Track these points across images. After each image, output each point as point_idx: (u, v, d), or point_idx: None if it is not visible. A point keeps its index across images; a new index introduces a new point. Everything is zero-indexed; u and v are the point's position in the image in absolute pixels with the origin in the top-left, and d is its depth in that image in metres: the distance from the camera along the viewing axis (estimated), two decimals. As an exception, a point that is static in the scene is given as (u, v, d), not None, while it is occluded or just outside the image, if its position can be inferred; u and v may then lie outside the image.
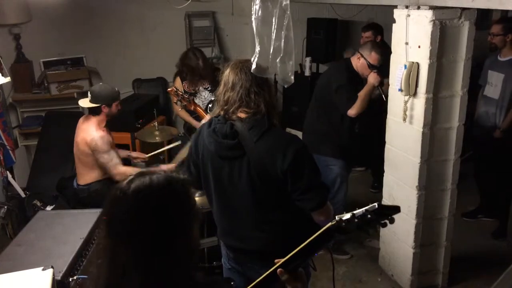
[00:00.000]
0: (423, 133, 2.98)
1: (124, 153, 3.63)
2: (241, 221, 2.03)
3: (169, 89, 3.38)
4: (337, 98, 3.46)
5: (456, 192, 3.20)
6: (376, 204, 1.26)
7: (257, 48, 1.85)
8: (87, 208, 2.97)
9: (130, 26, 5.42)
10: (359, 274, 3.58)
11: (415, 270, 3.28)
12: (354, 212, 1.27)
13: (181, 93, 3.27)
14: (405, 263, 3.31)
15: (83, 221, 2.53)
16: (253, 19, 1.85)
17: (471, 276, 3.44)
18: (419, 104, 2.97)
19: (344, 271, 3.61)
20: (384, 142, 3.40)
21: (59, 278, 2.02)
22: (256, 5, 1.83)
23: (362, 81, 3.54)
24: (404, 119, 3.08)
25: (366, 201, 4.54)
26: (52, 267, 1.90)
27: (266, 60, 1.87)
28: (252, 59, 1.88)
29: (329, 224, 1.31)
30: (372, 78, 3.41)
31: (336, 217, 1.31)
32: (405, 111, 3.06)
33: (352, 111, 3.41)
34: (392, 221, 1.28)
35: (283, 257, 1.68)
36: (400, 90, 3.01)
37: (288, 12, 1.80)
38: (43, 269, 1.89)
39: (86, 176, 3.34)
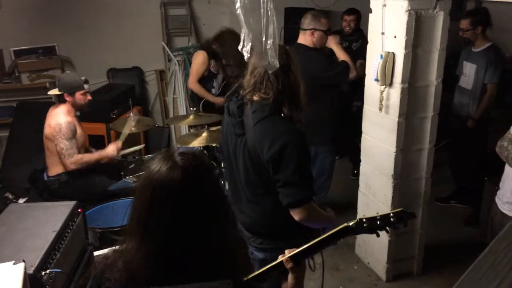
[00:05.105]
0: (398, 122, 3.01)
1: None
2: (239, 194, 2.11)
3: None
4: (330, 77, 3.56)
5: (430, 181, 3.25)
6: (400, 209, 1.33)
7: (250, 36, 1.81)
8: (60, 201, 2.90)
9: (105, 14, 5.28)
10: (336, 262, 3.61)
11: (391, 258, 3.32)
12: (379, 213, 1.33)
13: None
14: (381, 251, 3.35)
15: (56, 214, 2.47)
16: (238, 7, 1.80)
17: (445, 263, 3.50)
18: (395, 94, 2.99)
19: (322, 259, 3.64)
20: (361, 131, 3.42)
21: (31, 272, 1.96)
22: None
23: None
24: (380, 109, 3.09)
25: (346, 188, 4.43)
26: (23, 260, 1.85)
27: (259, 47, 1.83)
28: (243, 48, 1.84)
29: (350, 222, 1.35)
30: (333, 41, 3.69)
31: (358, 218, 1.37)
32: (381, 101, 3.07)
33: (352, 74, 3.61)
34: (406, 225, 1.38)
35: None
36: (376, 80, 3.02)
37: None
38: (14, 263, 1.83)
39: (55, 167, 3.26)
